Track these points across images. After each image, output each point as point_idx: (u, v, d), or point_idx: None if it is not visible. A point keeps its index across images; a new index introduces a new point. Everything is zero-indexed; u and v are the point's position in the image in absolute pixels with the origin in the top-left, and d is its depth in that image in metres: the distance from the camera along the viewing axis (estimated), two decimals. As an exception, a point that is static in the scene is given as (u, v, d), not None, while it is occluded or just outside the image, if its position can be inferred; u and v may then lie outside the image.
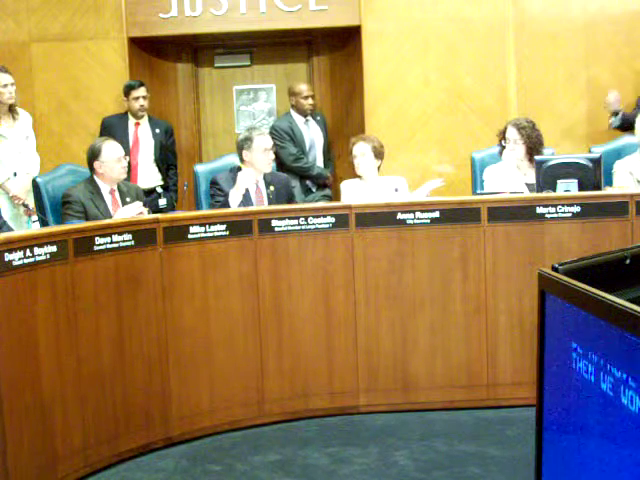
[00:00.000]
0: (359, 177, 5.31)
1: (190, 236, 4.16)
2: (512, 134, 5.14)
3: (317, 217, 4.38)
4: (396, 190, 5.11)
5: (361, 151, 5.23)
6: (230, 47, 7.47)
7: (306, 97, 6.67)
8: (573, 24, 6.76)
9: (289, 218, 4.35)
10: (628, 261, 2.21)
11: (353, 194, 5.20)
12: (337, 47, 7.30)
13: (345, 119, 7.26)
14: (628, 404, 1.67)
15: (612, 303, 1.72)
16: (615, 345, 1.74)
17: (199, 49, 7.46)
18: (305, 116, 6.71)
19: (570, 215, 4.36)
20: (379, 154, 5.26)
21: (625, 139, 5.74)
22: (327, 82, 7.42)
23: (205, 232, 4.20)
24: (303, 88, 6.71)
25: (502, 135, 5.24)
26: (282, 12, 6.73)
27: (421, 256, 4.39)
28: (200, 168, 5.48)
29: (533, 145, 5.13)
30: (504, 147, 5.20)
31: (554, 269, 2.05)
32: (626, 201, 4.38)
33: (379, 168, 5.31)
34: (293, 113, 6.73)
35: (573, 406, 1.95)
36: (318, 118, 6.85)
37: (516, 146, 5.13)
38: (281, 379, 4.37)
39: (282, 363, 4.37)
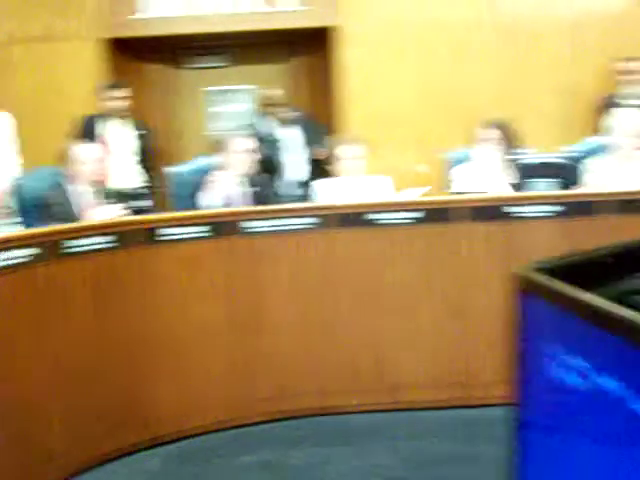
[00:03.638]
0: (338, 176, 5.31)
1: (167, 237, 4.15)
2: (489, 134, 5.16)
3: (296, 218, 4.39)
4: (375, 191, 5.11)
5: (359, 154, 5.25)
6: (208, 48, 7.47)
7: (272, 104, 6.66)
8: (554, 24, 6.80)
9: (267, 219, 4.35)
10: (607, 259, 2.23)
11: (332, 193, 5.20)
12: (315, 48, 7.30)
13: (324, 119, 7.26)
14: (610, 402, 1.70)
15: (588, 302, 1.75)
16: (591, 342, 1.76)
17: (177, 50, 7.45)
18: (277, 121, 6.70)
19: (550, 214, 4.38)
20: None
21: (598, 139, 5.80)
22: (305, 83, 7.43)
23: (182, 234, 4.19)
24: (270, 93, 6.71)
25: (480, 135, 5.26)
26: (260, 13, 6.73)
27: (402, 256, 4.41)
28: (175, 170, 5.43)
29: (511, 145, 5.16)
30: (481, 147, 5.23)
31: (531, 268, 2.07)
32: (605, 200, 4.41)
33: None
34: (265, 119, 6.73)
35: (554, 405, 1.97)
36: (294, 119, 6.83)
37: (494, 146, 5.16)
38: (268, 379, 4.37)
39: (269, 363, 4.36)
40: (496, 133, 5.17)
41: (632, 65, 6.44)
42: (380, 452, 3.97)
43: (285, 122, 6.74)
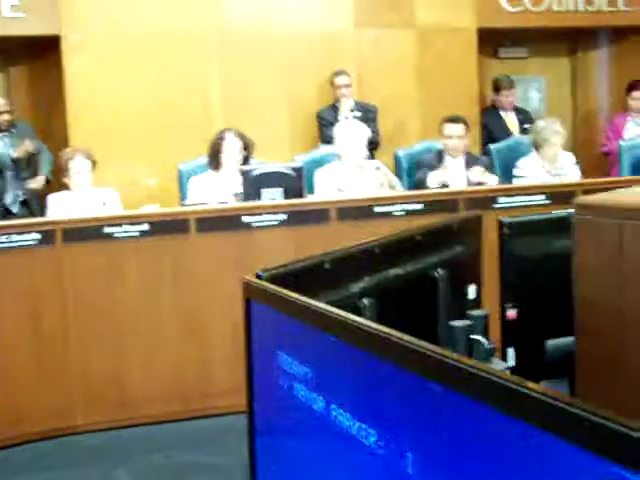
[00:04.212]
0: (67, 190, 5.14)
1: None
2: (232, 141, 5.21)
3: (20, 234, 4.19)
4: (104, 204, 5.02)
5: (86, 167, 5.08)
6: None
7: None
8: (274, 38, 6.96)
9: (-8, 236, 4.13)
10: (327, 265, 2.33)
11: (61, 208, 5.02)
12: (37, 56, 7.02)
13: (48, 131, 7.01)
14: (320, 404, 1.77)
15: (311, 306, 1.81)
16: (313, 345, 1.83)
17: None
18: None
19: (276, 223, 4.50)
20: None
21: (323, 149, 6.05)
22: (27, 93, 7.12)
23: None
24: None
25: (219, 143, 5.27)
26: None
27: (131, 270, 4.35)
28: None
29: (247, 154, 5.25)
30: (218, 157, 5.25)
31: (258, 276, 2.11)
32: (328, 208, 4.60)
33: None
34: None
35: (281, 410, 2.02)
36: (13, 131, 6.52)
37: (235, 155, 5.21)
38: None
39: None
40: (239, 141, 5.24)
41: (342, 79, 6.76)
42: (117, 469, 3.88)
43: (10, 136, 6.44)
